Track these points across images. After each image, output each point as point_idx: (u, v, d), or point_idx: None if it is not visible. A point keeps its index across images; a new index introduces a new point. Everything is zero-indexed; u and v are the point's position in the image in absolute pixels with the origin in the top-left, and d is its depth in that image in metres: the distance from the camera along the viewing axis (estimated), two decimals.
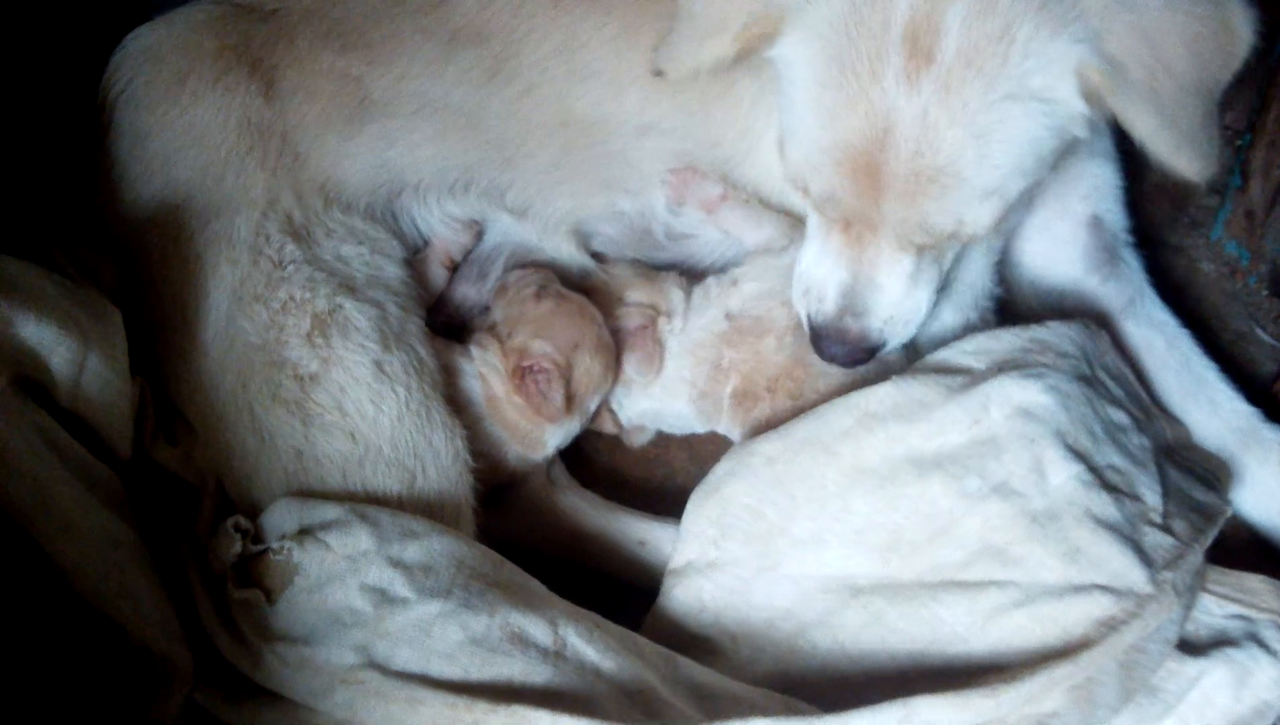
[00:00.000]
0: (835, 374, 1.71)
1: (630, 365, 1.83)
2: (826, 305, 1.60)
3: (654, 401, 1.87)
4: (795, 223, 1.85)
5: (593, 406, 1.81)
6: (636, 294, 1.86)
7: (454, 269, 1.90)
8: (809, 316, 1.64)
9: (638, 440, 1.95)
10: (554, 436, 1.79)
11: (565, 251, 1.91)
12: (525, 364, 1.73)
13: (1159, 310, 1.93)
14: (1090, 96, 1.37)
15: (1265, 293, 2.15)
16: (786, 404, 1.73)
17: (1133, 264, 1.95)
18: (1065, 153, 1.52)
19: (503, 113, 1.83)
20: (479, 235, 1.90)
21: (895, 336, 1.63)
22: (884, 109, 1.36)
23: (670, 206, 1.91)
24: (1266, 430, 1.80)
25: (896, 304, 1.58)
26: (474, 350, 1.79)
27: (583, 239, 1.94)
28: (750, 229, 1.88)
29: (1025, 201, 1.57)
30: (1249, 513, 1.78)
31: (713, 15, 1.49)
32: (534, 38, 1.82)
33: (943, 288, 1.66)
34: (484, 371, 1.76)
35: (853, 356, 1.63)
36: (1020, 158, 1.40)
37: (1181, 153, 1.37)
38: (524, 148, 1.85)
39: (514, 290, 1.83)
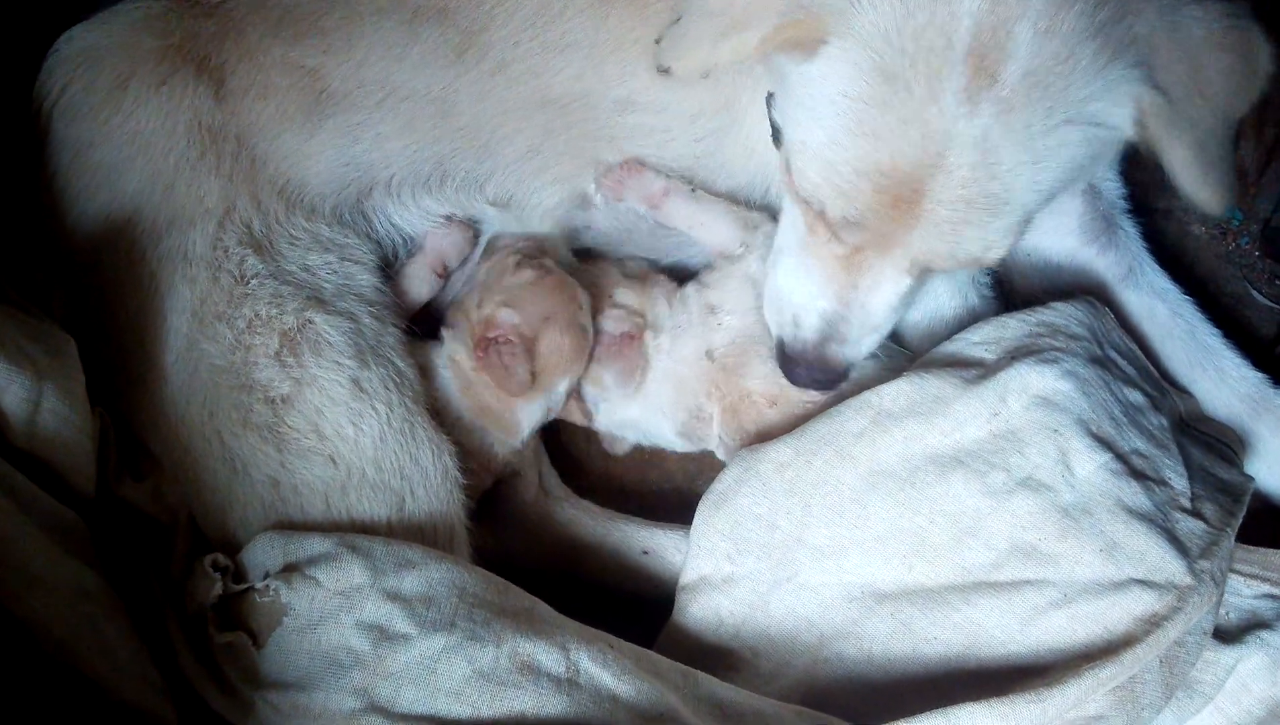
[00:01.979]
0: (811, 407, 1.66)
1: (610, 374, 1.75)
2: (805, 332, 1.52)
3: (635, 418, 1.79)
4: (748, 222, 1.79)
5: (561, 388, 1.71)
6: (627, 296, 1.78)
7: (447, 277, 1.80)
8: (782, 339, 1.56)
9: (618, 448, 1.88)
10: (526, 416, 1.70)
11: (552, 243, 1.82)
12: (490, 335, 1.65)
13: (1159, 278, 1.89)
14: (1139, 125, 1.32)
15: (1258, 253, 2.12)
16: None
17: (1130, 232, 1.91)
18: None
19: (474, 95, 1.73)
20: (475, 238, 1.81)
21: (865, 350, 1.55)
22: (941, 131, 1.26)
23: (609, 204, 1.82)
24: (1277, 397, 1.77)
25: (878, 327, 1.51)
26: (446, 332, 1.70)
27: (571, 233, 1.85)
28: (699, 227, 1.80)
29: None
30: (1263, 482, 1.75)
31: (735, 10, 1.37)
32: (503, 9, 1.72)
33: None
34: (453, 350, 1.68)
35: (828, 381, 1.56)
36: (1060, 182, 1.34)
37: (1207, 182, 1.34)
38: (500, 132, 1.75)
39: (498, 256, 1.74)
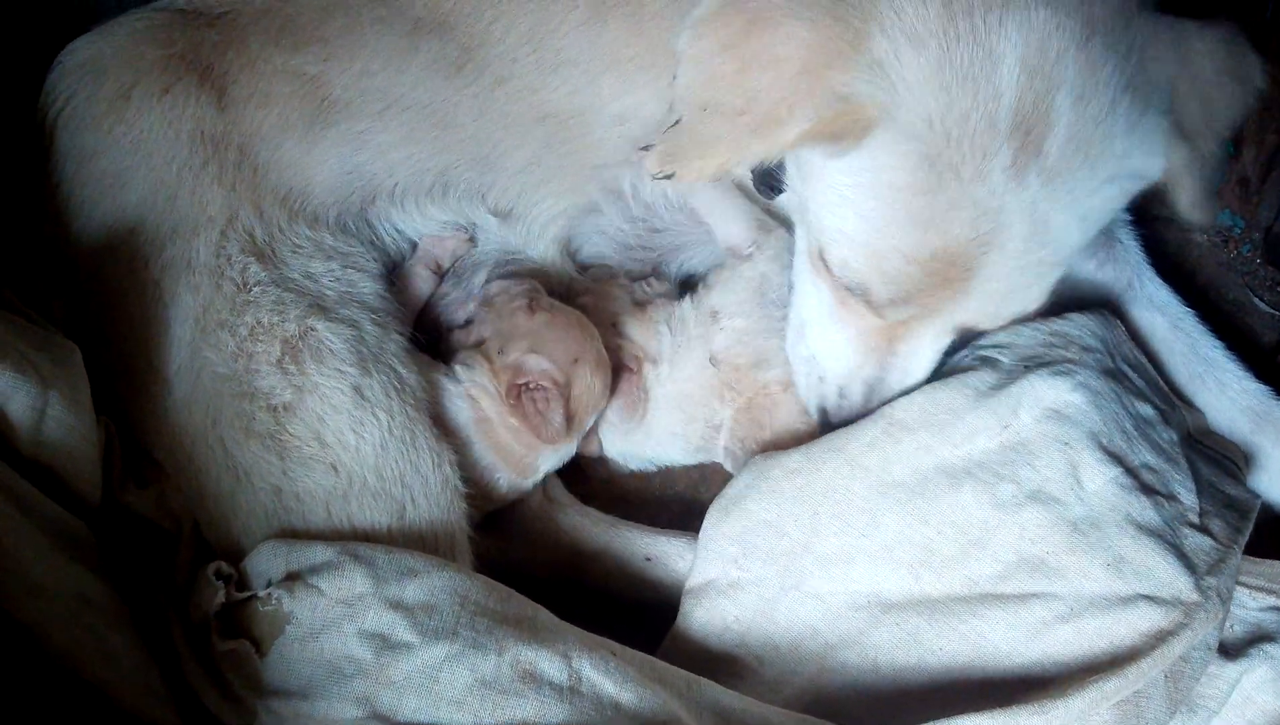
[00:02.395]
0: (804, 426, 1.68)
1: (612, 410, 1.75)
2: (852, 399, 1.55)
3: (641, 448, 1.80)
4: (763, 223, 1.80)
5: (589, 425, 1.72)
6: (630, 325, 1.78)
7: (441, 276, 1.80)
8: (826, 409, 1.59)
9: (618, 469, 1.88)
10: (547, 460, 1.70)
11: (552, 258, 1.83)
12: (521, 382, 1.63)
13: (1160, 290, 1.88)
14: (1168, 171, 1.36)
15: (1260, 261, 2.12)
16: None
17: (1129, 244, 1.90)
18: None
19: (475, 109, 1.74)
20: (471, 240, 1.81)
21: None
22: (991, 209, 1.27)
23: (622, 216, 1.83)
24: (1279, 409, 1.76)
25: (919, 378, 1.55)
26: (460, 370, 1.68)
27: (571, 245, 1.86)
28: (720, 218, 1.80)
29: None
30: (1266, 494, 1.74)
31: (762, 106, 1.29)
32: (500, 25, 1.73)
33: None
34: (473, 392, 1.66)
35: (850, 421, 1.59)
36: (1097, 232, 1.39)
37: (1201, 202, 1.38)
38: (501, 145, 1.76)
39: (502, 302, 1.73)
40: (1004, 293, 1.37)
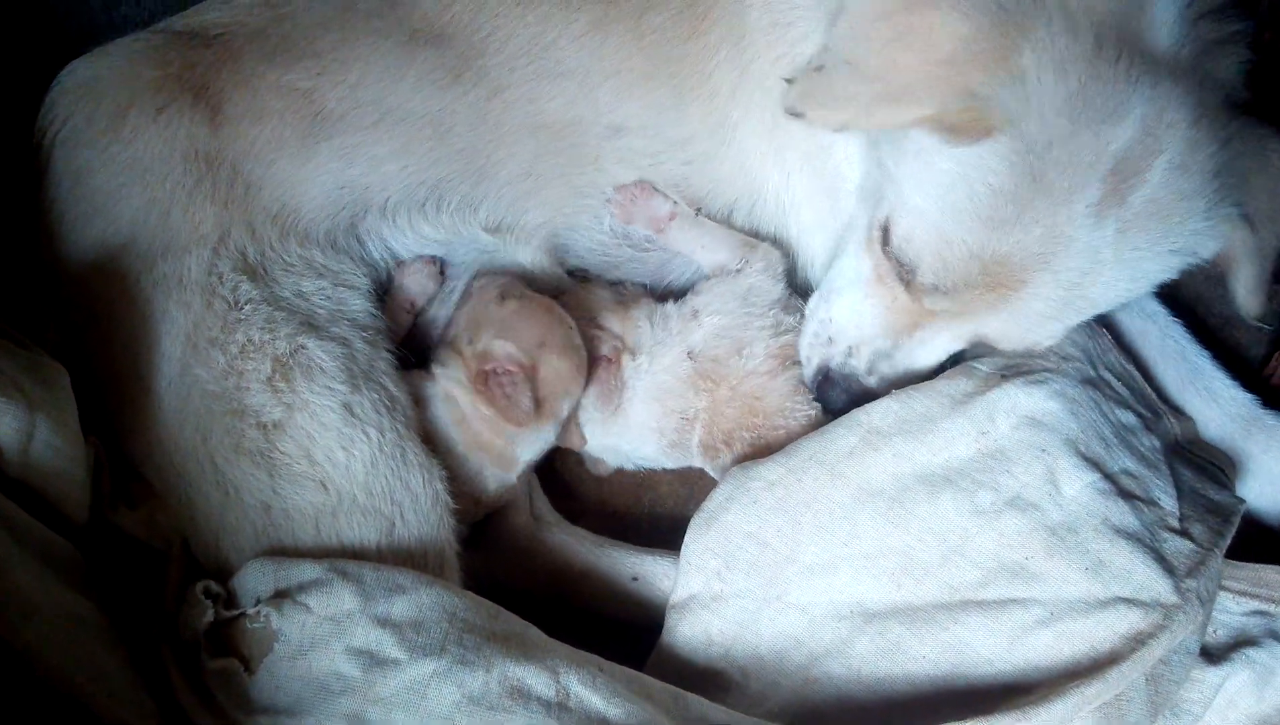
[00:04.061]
0: (795, 414, 1.69)
1: (588, 397, 1.76)
2: (856, 362, 1.60)
3: (618, 442, 1.81)
4: (748, 242, 1.82)
5: (564, 410, 1.71)
6: (609, 319, 1.79)
7: (416, 314, 1.81)
8: (829, 364, 1.63)
9: (600, 469, 1.89)
10: (526, 448, 1.70)
11: (541, 264, 1.84)
12: (488, 368, 1.65)
13: (1149, 300, 1.90)
14: (1223, 254, 1.44)
15: None
16: (748, 452, 1.68)
17: None
18: None
19: (470, 119, 1.75)
20: (442, 273, 1.82)
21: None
22: (1064, 236, 1.35)
23: (617, 226, 1.85)
24: (1268, 417, 1.79)
25: (923, 372, 1.59)
26: (437, 368, 1.70)
27: (558, 253, 1.87)
28: (700, 249, 1.83)
29: None
30: (1256, 502, 1.76)
31: (899, 79, 1.35)
32: (499, 36, 1.75)
33: None
34: (448, 388, 1.67)
35: (853, 405, 1.61)
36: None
37: (1257, 293, 1.45)
38: (495, 157, 1.77)
39: (477, 296, 1.74)
40: (1042, 316, 1.44)
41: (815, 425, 1.65)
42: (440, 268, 1.82)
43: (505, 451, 1.69)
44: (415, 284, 1.79)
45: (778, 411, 1.69)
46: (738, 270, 1.80)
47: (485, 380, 1.64)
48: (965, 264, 1.41)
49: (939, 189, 1.41)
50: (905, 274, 1.49)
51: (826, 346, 1.64)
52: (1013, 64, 1.31)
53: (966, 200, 1.38)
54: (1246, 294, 1.47)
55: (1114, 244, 1.36)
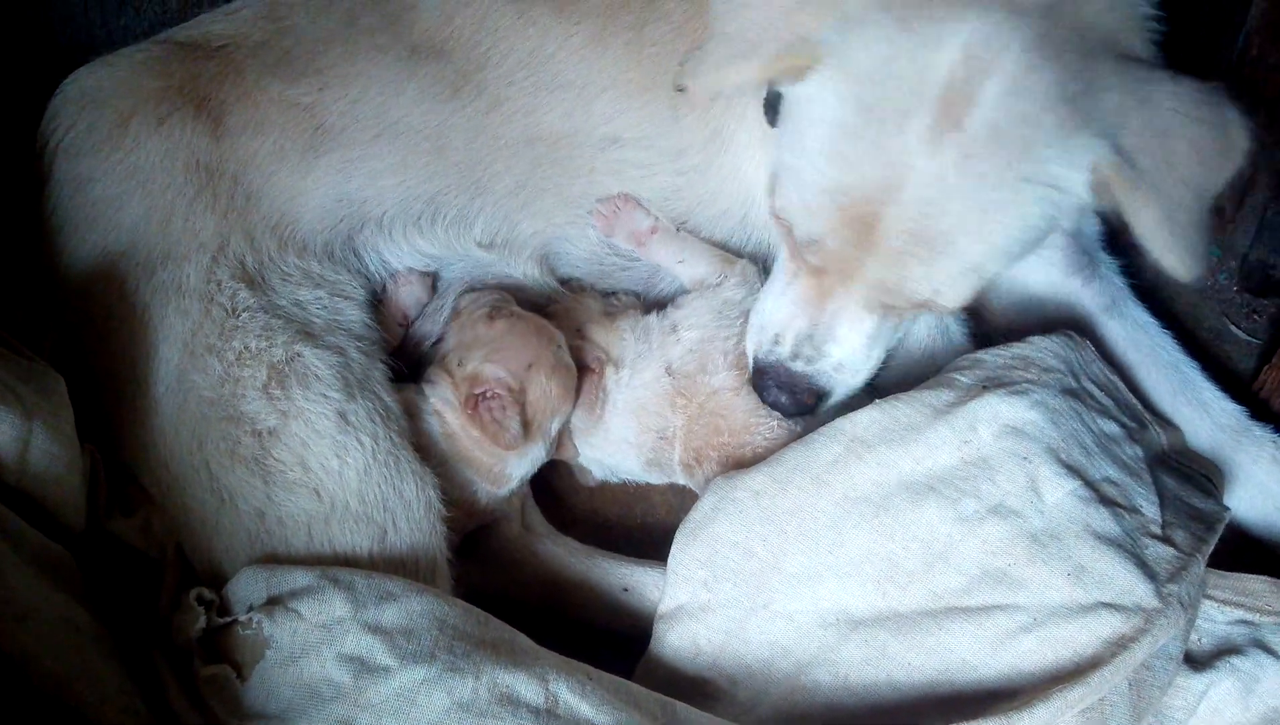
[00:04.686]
0: (760, 431, 1.70)
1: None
2: (781, 347, 1.60)
3: (600, 454, 1.82)
4: (728, 258, 1.84)
5: (554, 429, 1.73)
6: (595, 330, 1.81)
7: (408, 326, 1.83)
8: (757, 356, 1.63)
9: (587, 480, 1.89)
10: (517, 467, 1.71)
11: (532, 275, 1.86)
12: (477, 392, 1.66)
13: (1140, 311, 1.94)
14: (1099, 189, 1.39)
15: (1236, 289, 2.15)
16: (718, 471, 1.69)
17: (1110, 265, 1.95)
18: None
19: (468, 131, 1.77)
20: (434, 287, 1.84)
21: (840, 387, 1.62)
22: (902, 163, 1.36)
23: (600, 239, 1.87)
24: (1257, 428, 1.80)
25: (850, 355, 1.58)
26: (426, 387, 1.71)
27: (550, 262, 1.89)
28: (679, 264, 1.85)
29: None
30: (1244, 512, 1.78)
31: (746, 38, 1.46)
32: (499, 50, 1.78)
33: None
34: (438, 407, 1.69)
35: (796, 403, 1.62)
36: (1011, 241, 1.42)
37: (1174, 250, 1.39)
38: (491, 169, 1.79)
39: (466, 314, 1.76)
40: (901, 256, 1.41)
41: (781, 442, 1.65)
42: (433, 280, 1.84)
43: (495, 469, 1.70)
44: (408, 296, 1.81)
45: (743, 428, 1.70)
46: (716, 284, 1.82)
47: (474, 404, 1.66)
48: (821, 204, 1.43)
49: (794, 137, 1.47)
50: (788, 234, 1.52)
51: (758, 334, 1.65)
52: (841, 8, 1.39)
53: (813, 140, 1.43)
54: (1161, 249, 1.40)
55: (957, 171, 1.34)
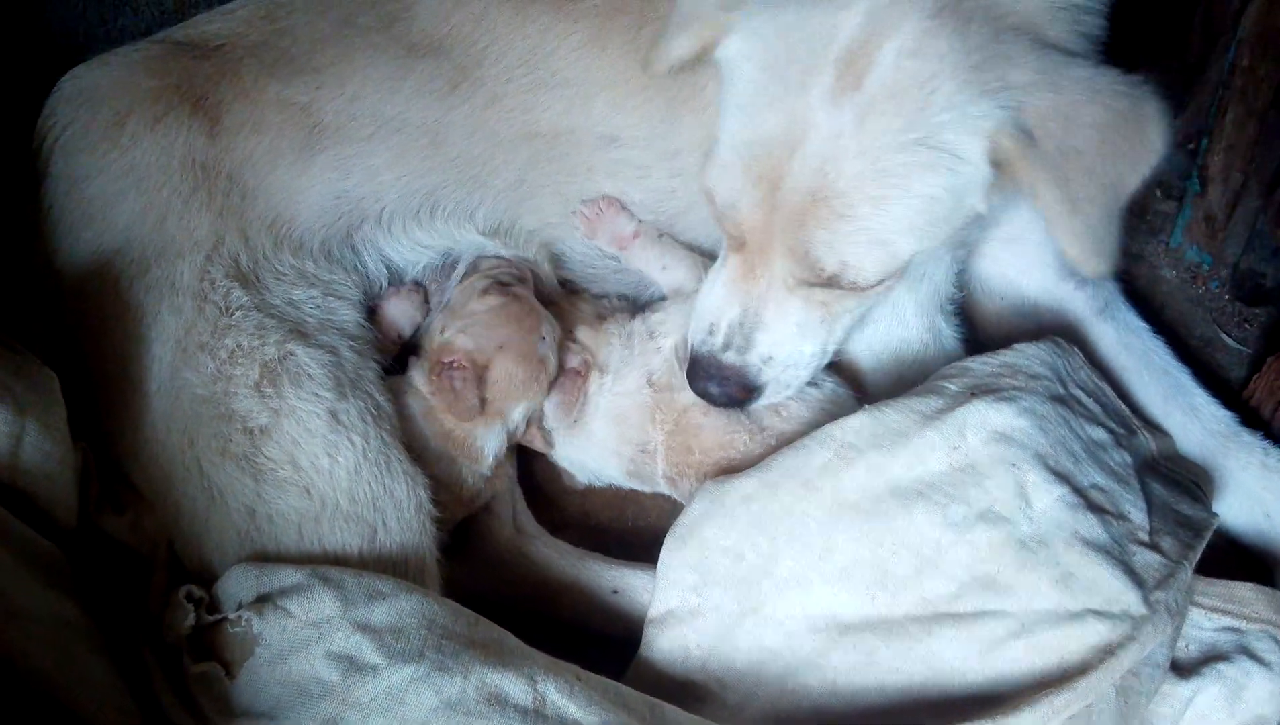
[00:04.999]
0: (735, 447, 1.69)
1: (548, 405, 1.79)
2: (714, 338, 1.60)
3: (583, 458, 1.83)
4: (707, 264, 1.82)
5: (516, 415, 1.74)
6: (585, 333, 1.82)
7: (400, 343, 1.84)
8: (694, 346, 1.63)
9: (574, 482, 1.90)
10: (487, 442, 1.73)
11: (539, 269, 1.87)
12: (446, 360, 1.69)
13: (1132, 316, 1.94)
14: (1000, 163, 1.39)
15: (1228, 297, 2.16)
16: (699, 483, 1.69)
17: None
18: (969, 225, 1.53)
19: (466, 128, 1.78)
20: (426, 304, 1.85)
21: (771, 383, 1.61)
22: (803, 120, 1.40)
23: (583, 240, 1.88)
24: (1246, 434, 1.81)
25: (779, 345, 1.58)
26: (412, 359, 1.75)
27: (553, 258, 1.90)
28: (660, 270, 1.86)
29: (916, 270, 1.60)
30: (1232, 519, 1.78)
31: (684, 13, 1.56)
32: (497, 47, 1.78)
33: (835, 349, 1.67)
34: (414, 377, 1.72)
35: (725, 395, 1.61)
36: (914, 212, 1.42)
37: (1079, 241, 1.39)
38: (489, 165, 1.80)
39: (470, 280, 1.79)
40: (801, 218, 1.43)
41: (757, 455, 1.65)
42: (424, 295, 1.85)
43: (467, 442, 1.72)
44: (401, 313, 1.82)
45: (715, 447, 1.70)
46: (694, 291, 1.80)
47: (439, 372, 1.69)
48: (733, 164, 1.47)
49: (721, 103, 1.52)
50: (711, 205, 1.54)
51: (695, 325, 1.65)
52: None
53: (728, 101, 1.49)
54: (1067, 239, 1.40)
55: (854, 130, 1.37)
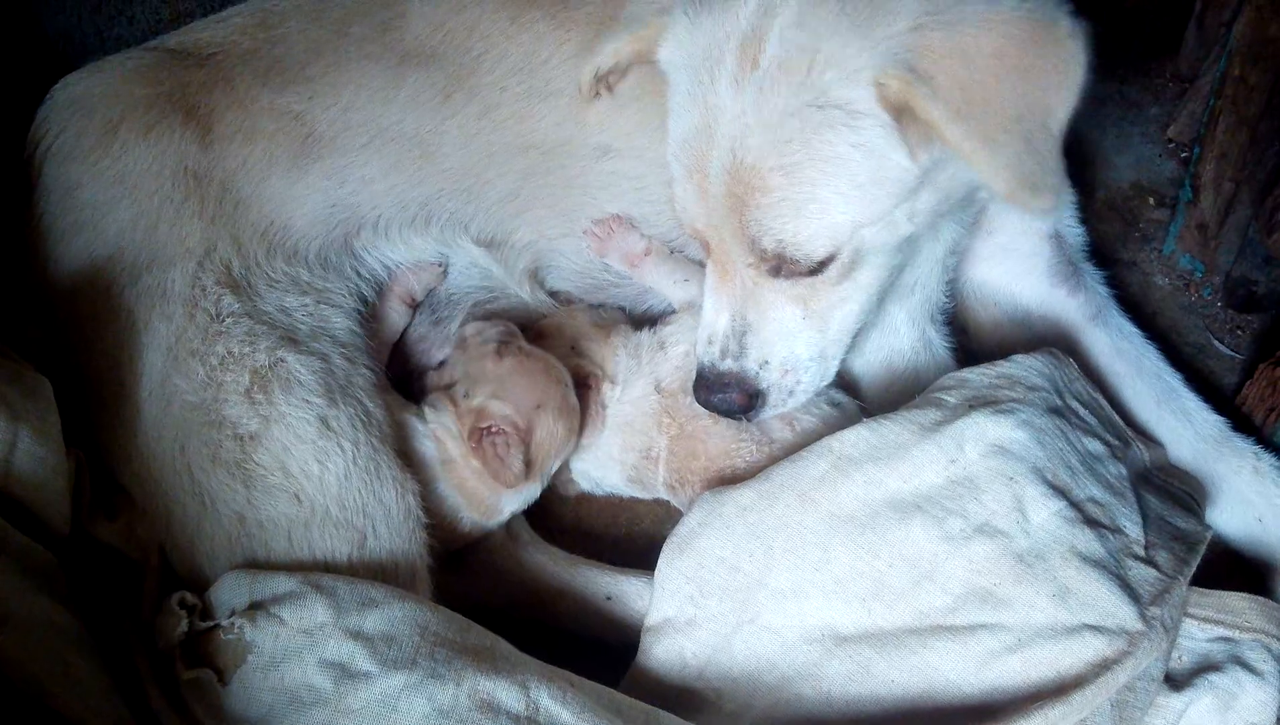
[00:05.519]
0: (740, 456, 1.70)
1: None
2: (712, 347, 1.62)
3: (586, 467, 1.83)
4: None
5: (554, 469, 1.75)
6: (589, 346, 1.82)
7: (415, 307, 1.82)
8: (698, 360, 1.64)
9: (569, 490, 1.90)
10: (511, 502, 1.73)
11: (525, 288, 1.87)
12: (483, 426, 1.66)
13: (1125, 322, 1.95)
14: (899, 108, 1.38)
15: (1220, 305, 2.16)
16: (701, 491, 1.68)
17: (1095, 275, 1.97)
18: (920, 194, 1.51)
19: (460, 138, 1.78)
20: (444, 273, 1.84)
21: (774, 389, 1.61)
22: (714, 106, 1.47)
23: (592, 258, 1.88)
24: (1239, 439, 1.82)
25: (769, 345, 1.59)
26: (428, 412, 1.71)
27: (542, 274, 1.89)
28: (672, 285, 1.86)
29: (887, 253, 1.56)
30: (1225, 523, 1.79)
31: (626, 19, 1.65)
32: (491, 56, 1.78)
33: (841, 352, 1.66)
34: (439, 434, 1.69)
35: (728, 402, 1.62)
36: (828, 174, 1.43)
37: (1003, 175, 1.35)
38: (484, 175, 1.80)
39: (474, 346, 1.76)
40: (727, 198, 1.48)
41: (760, 465, 1.65)
42: (444, 268, 1.85)
43: (489, 501, 1.71)
44: (418, 280, 1.82)
45: (720, 453, 1.71)
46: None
47: (479, 438, 1.66)
48: (673, 162, 1.55)
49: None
50: (674, 210, 1.61)
51: (698, 341, 1.66)
52: None
53: (669, 104, 1.56)
54: (988, 173, 1.36)
55: (755, 106, 1.42)
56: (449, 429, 1.69)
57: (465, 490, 1.69)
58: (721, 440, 1.70)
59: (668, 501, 1.86)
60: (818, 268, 1.51)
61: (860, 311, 1.61)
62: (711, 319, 1.62)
